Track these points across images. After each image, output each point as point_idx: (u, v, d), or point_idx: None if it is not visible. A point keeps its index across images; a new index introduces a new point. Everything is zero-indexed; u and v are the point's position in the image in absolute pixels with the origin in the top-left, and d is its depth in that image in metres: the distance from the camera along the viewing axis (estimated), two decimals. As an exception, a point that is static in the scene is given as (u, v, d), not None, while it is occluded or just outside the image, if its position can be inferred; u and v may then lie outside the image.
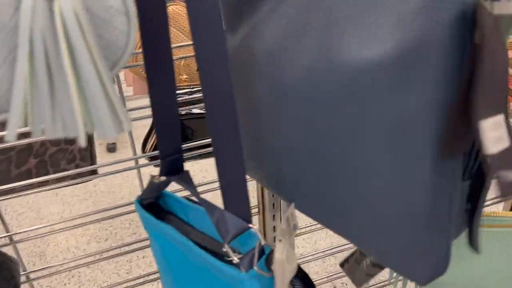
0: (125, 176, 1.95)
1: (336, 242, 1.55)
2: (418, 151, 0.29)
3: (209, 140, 0.68)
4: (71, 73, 0.26)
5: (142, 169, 1.70)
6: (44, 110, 0.27)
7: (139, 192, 2.02)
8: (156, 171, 1.81)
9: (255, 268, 0.39)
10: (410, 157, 0.30)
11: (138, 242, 0.73)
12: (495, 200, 0.93)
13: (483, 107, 0.27)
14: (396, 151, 0.30)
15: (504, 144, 0.28)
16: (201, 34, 0.34)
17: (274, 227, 0.73)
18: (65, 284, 1.43)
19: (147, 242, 1.35)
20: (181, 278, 0.49)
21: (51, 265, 0.70)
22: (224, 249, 0.42)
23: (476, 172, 0.33)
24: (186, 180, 0.49)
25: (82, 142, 0.27)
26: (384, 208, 0.33)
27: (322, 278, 0.90)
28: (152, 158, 0.73)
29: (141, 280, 0.82)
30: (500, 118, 0.28)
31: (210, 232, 0.48)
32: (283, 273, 0.40)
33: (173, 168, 0.50)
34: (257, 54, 0.39)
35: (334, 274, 0.88)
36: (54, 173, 0.73)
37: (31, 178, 0.71)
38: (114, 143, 2.17)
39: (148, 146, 0.80)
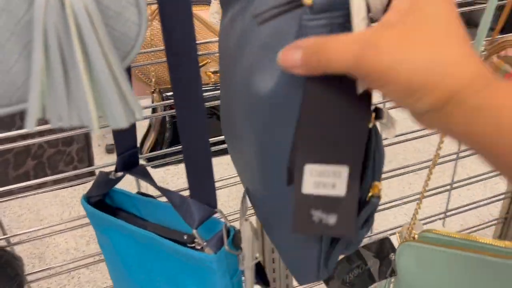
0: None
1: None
2: (282, 177, 0.35)
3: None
4: (82, 65, 0.27)
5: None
6: (60, 100, 0.28)
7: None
8: (154, 172, 1.81)
9: (226, 247, 0.41)
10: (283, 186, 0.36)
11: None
12: (493, 199, 0.93)
13: (301, 153, 0.31)
14: (273, 176, 0.37)
15: (331, 192, 0.31)
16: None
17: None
18: (64, 286, 1.43)
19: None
20: (139, 273, 0.50)
21: (50, 266, 0.70)
22: (185, 237, 0.44)
23: None
24: (142, 173, 0.50)
25: (96, 131, 0.28)
26: (281, 226, 0.40)
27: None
28: (149, 160, 0.73)
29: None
30: (327, 168, 0.31)
31: (167, 223, 0.49)
32: (251, 250, 0.44)
33: (129, 162, 0.51)
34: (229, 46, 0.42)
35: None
36: (52, 175, 0.73)
37: (29, 180, 0.71)
38: (113, 144, 2.17)
39: (145, 147, 0.80)
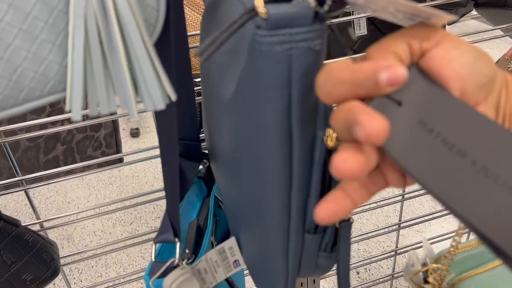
0: (149, 161, 1.97)
1: (365, 228, 1.54)
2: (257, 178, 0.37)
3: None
4: (121, 48, 0.27)
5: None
6: (99, 87, 0.28)
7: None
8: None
9: (150, 283, 0.41)
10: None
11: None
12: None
13: None
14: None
15: None
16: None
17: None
18: (92, 266, 1.46)
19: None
20: None
21: (81, 250, 0.72)
22: None
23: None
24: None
25: (135, 114, 0.29)
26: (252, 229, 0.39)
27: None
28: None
29: (166, 264, 0.84)
30: None
31: None
32: None
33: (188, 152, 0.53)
34: None
35: (356, 262, 0.88)
36: (81, 160, 0.74)
37: (59, 165, 0.72)
38: (137, 128, 2.19)
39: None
